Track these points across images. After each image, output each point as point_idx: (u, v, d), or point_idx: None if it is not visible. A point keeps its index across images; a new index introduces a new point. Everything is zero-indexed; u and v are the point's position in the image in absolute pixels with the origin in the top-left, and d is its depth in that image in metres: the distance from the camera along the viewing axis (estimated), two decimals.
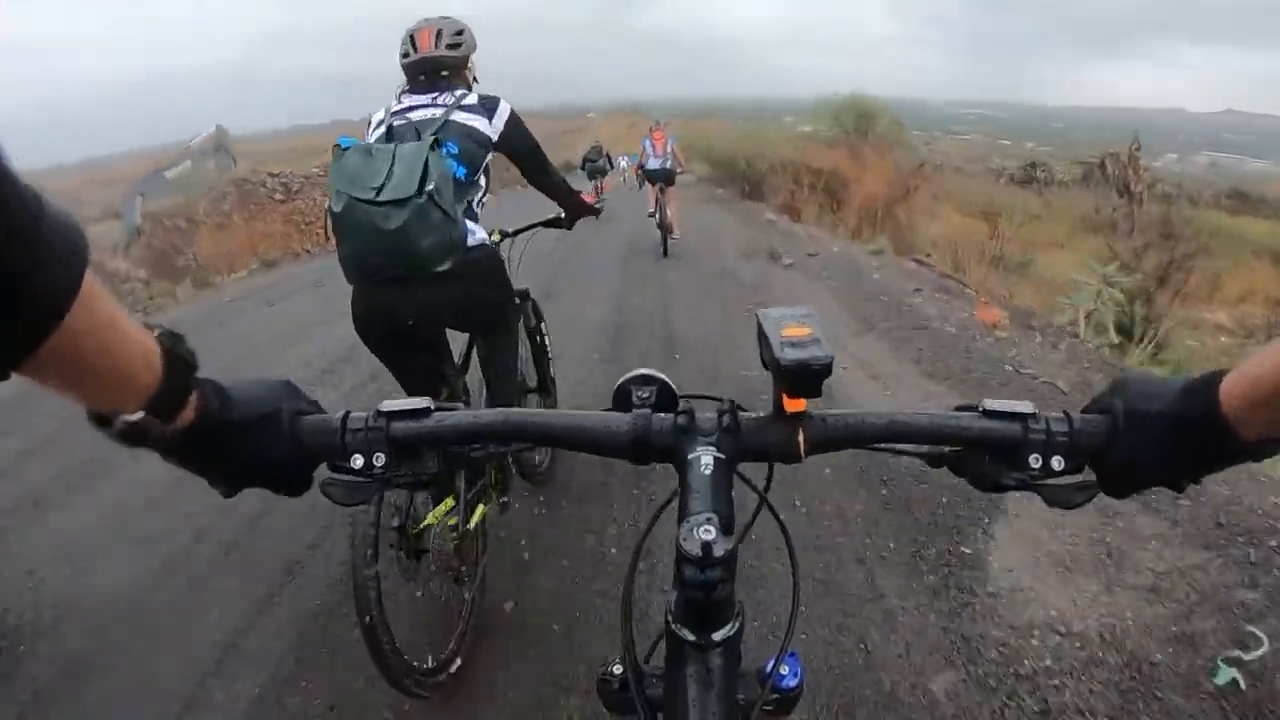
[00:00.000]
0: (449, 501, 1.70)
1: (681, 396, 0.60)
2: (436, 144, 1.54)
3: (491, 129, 1.77)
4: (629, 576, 0.60)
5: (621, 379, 0.60)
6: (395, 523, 1.53)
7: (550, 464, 2.63)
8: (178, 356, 0.46)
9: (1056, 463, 0.52)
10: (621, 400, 0.60)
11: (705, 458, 0.54)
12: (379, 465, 0.54)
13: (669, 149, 7.68)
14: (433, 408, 0.56)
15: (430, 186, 1.48)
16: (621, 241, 8.88)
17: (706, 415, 0.57)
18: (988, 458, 0.55)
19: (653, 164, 7.69)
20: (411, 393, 1.77)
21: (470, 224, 1.70)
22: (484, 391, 2.01)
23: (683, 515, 0.51)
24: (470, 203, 1.76)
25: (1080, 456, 0.53)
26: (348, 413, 0.55)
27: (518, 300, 2.16)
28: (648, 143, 7.88)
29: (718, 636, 0.51)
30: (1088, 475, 0.54)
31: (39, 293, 0.34)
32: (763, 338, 0.53)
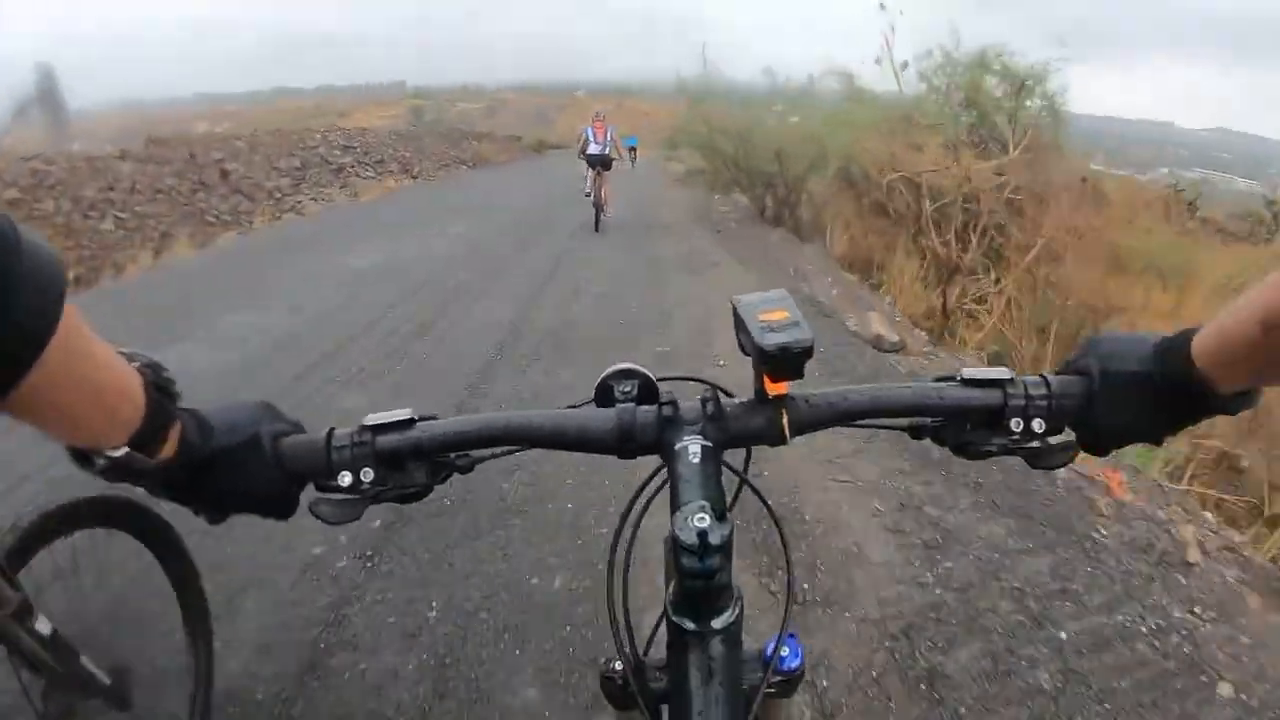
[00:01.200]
0: None
1: (660, 379, 0.60)
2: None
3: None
4: (611, 568, 0.60)
5: (602, 375, 0.60)
6: None
7: None
8: (159, 388, 0.46)
9: (1037, 425, 0.53)
10: (603, 397, 0.60)
11: (693, 447, 0.54)
12: (367, 481, 0.54)
13: (609, 137, 8.75)
14: (416, 418, 0.56)
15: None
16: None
17: (689, 404, 0.57)
18: (969, 425, 0.56)
19: (593, 149, 8.66)
20: None
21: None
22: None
23: (675, 505, 0.51)
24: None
25: (1060, 418, 0.54)
26: (332, 430, 0.55)
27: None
28: (589, 131, 8.79)
29: (718, 624, 0.52)
30: (1068, 435, 0.55)
31: (12, 335, 0.33)
32: (740, 324, 0.53)
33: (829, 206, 9.10)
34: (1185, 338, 0.49)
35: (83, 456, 0.44)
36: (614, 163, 8.90)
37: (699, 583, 0.47)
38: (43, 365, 0.35)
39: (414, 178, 15.72)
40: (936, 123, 8.73)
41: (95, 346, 0.40)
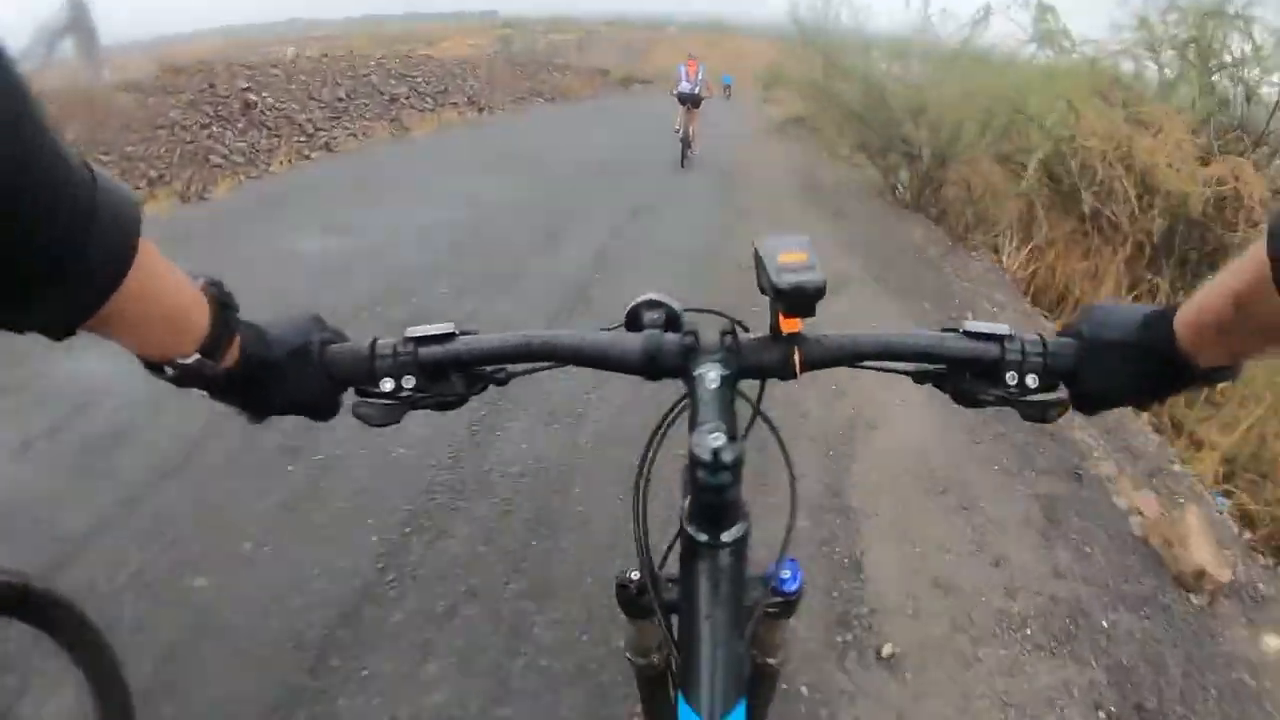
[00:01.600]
0: None
1: (686, 310, 0.64)
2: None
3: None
4: (638, 485, 0.64)
5: (632, 303, 0.64)
6: None
7: None
8: (222, 303, 0.50)
9: (1031, 380, 0.57)
10: (633, 322, 0.63)
11: (711, 374, 0.58)
12: (408, 388, 0.57)
13: (700, 76, 8.85)
14: (457, 332, 0.59)
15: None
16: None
17: (710, 336, 0.61)
18: (969, 375, 0.59)
19: (684, 87, 8.79)
20: None
21: None
22: None
23: (693, 425, 0.56)
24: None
25: (1053, 376, 0.57)
26: (375, 340, 0.58)
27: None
28: (682, 69, 9.00)
29: (727, 537, 0.56)
30: (1060, 392, 0.58)
31: (98, 263, 0.37)
32: (760, 263, 0.56)
33: (997, 195, 6.27)
34: (1170, 311, 0.52)
35: (155, 366, 0.48)
36: (703, 100, 9.13)
37: (712, 496, 0.52)
38: (124, 288, 0.39)
39: (480, 110, 13.86)
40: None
41: (166, 269, 0.44)
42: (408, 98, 12.99)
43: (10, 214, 0.32)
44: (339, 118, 11.04)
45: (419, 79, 13.87)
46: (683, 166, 8.99)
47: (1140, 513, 2.48)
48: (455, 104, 13.62)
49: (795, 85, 10.09)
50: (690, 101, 8.82)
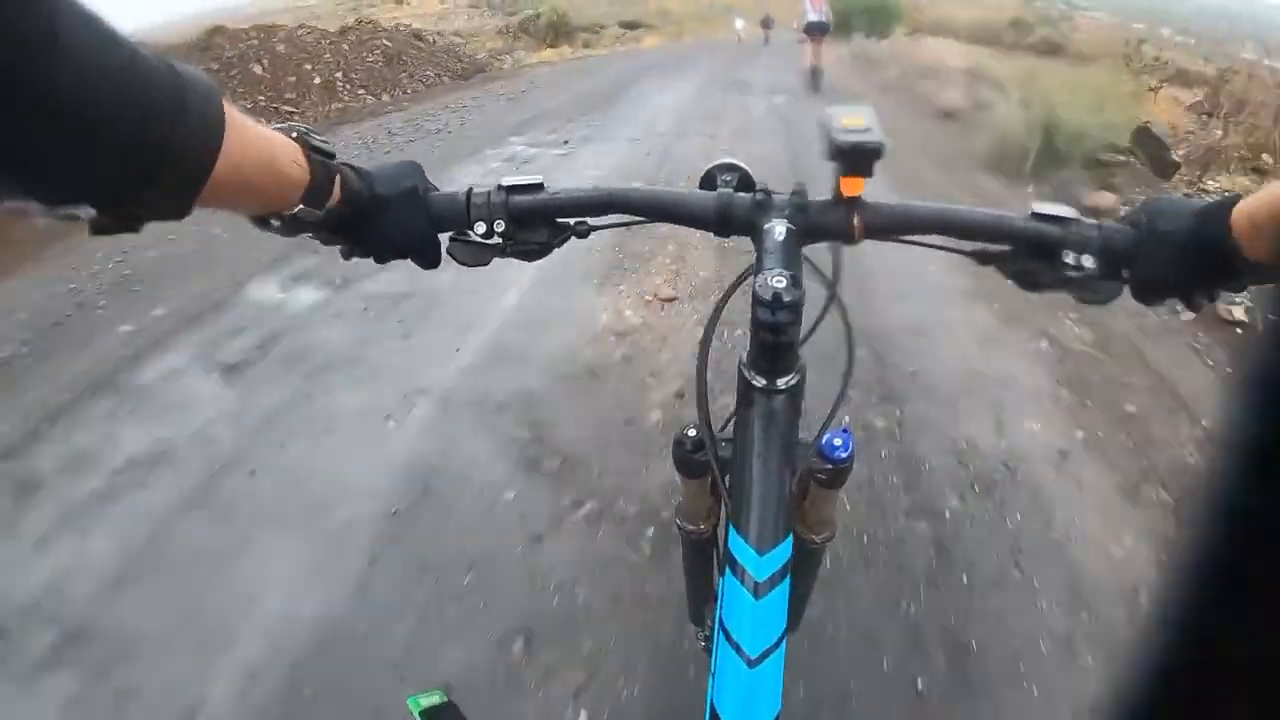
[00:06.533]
0: None
1: (758, 183, 0.65)
2: None
3: None
4: (704, 342, 0.65)
5: (708, 166, 0.67)
6: None
7: None
8: (317, 149, 0.53)
9: (1088, 261, 0.57)
10: (708, 184, 0.67)
11: (779, 228, 0.60)
12: (498, 232, 0.61)
13: (824, 6, 9.06)
14: (545, 184, 0.62)
15: None
16: None
17: (779, 197, 0.62)
18: (1030, 257, 0.59)
19: (811, 18, 9.01)
20: None
21: None
22: None
23: (758, 272, 0.58)
24: None
25: (1108, 259, 0.57)
26: (471, 188, 0.62)
27: None
28: (807, 2, 9.17)
29: (781, 383, 0.59)
30: (1115, 279, 0.58)
31: (197, 141, 0.40)
32: (823, 129, 0.57)
33: None
34: (1228, 204, 0.52)
35: (262, 220, 0.52)
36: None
37: (770, 335, 0.55)
38: (223, 158, 0.42)
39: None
40: None
41: (257, 133, 0.47)
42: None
43: (114, 119, 0.35)
44: None
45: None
46: (817, 91, 9.24)
47: None
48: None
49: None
50: (819, 30, 9.10)
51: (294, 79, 9.20)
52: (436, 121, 7.94)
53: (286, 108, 8.50)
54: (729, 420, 0.68)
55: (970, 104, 7.27)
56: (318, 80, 9.46)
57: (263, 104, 8.38)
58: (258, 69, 8.98)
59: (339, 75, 9.90)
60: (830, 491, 0.73)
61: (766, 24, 18.64)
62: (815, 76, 9.44)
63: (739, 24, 21.10)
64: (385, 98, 9.96)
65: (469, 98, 9.71)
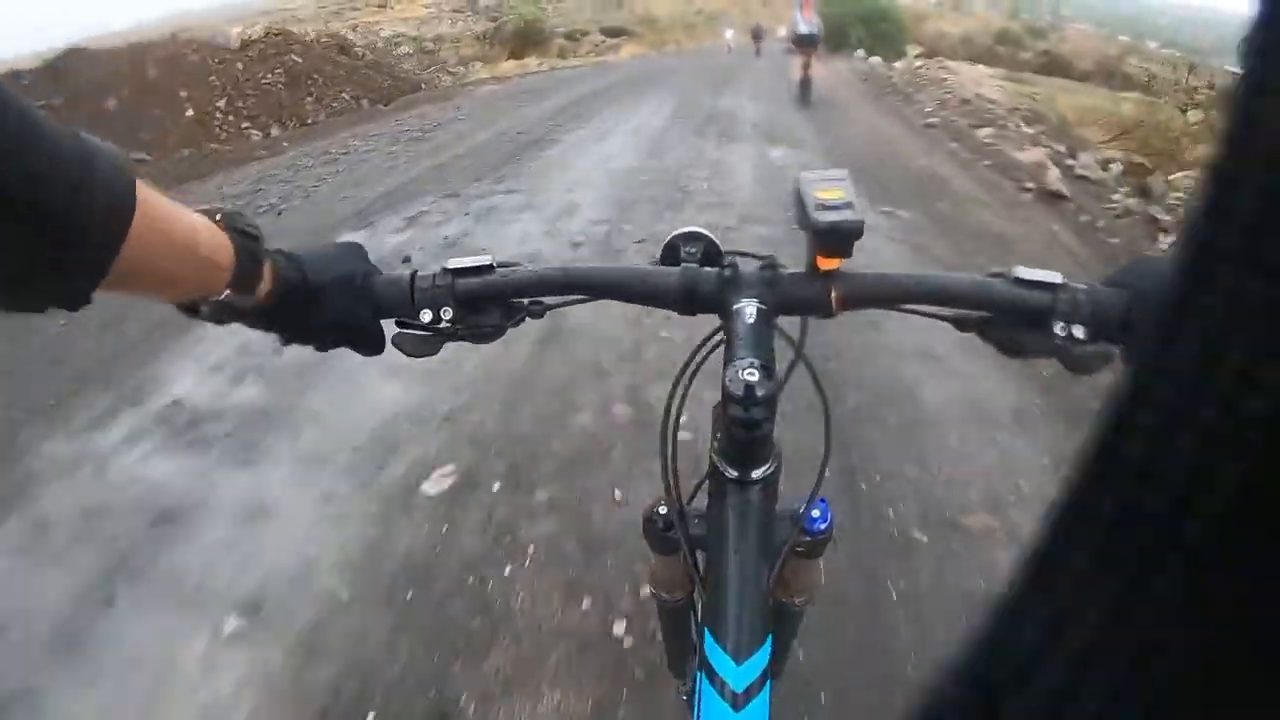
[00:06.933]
0: None
1: (726, 253, 0.63)
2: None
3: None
4: (666, 415, 0.63)
5: (670, 235, 0.65)
6: None
7: None
8: (243, 232, 0.49)
9: (1079, 331, 0.54)
10: (670, 256, 0.64)
11: (749, 308, 0.56)
12: (446, 319, 0.58)
13: (815, 18, 8.94)
14: (495, 265, 0.59)
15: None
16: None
17: (749, 270, 0.59)
18: (1014, 323, 0.57)
19: (803, 29, 8.78)
20: None
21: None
22: None
23: (728, 360, 0.54)
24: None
25: (1100, 327, 0.55)
26: (415, 271, 0.58)
27: None
28: (798, 12, 9.08)
29: (757, 474, 0.57)
30: (1104, 345, 0.55)
31: (99, 223, 0.37)
32: (799, 200, 0.55)
33: None
34: None
35: (189, 309, 0.50)
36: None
37: (743, 432, 0.52)
38: (131, 242, 0.39)
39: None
40: None
41: (174, 214, 0.44)
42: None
43: (12, 195, 0.33)
44: None
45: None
46: (808, 103, 9.17)
47: None
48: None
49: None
50: (810, 43, 8.99)
51: (159, 112, 7.86)
52: (286, 186, 5.58)
53: (137, 154, 7.14)
54: (699, 487, 0.66)
55: (1065, 174, 5.38)
56: (190, 113, 8.12)
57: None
58: (112, 102, 7.64)
59: (220, 105, 8.55)
60: (811, 560, 0.71)
61: (758, 34, 18.34)
62: (805, 89, 9.32)
63: (729, 34, 20.93)
64: (275, 131, 8.54)
65: (367, 134, 7.79)
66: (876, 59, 15.88)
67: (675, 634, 0.87)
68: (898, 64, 14.37)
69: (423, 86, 12.74)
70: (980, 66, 12.89)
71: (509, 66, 18.06)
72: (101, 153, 0.38)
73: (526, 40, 22.41)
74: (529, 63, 19.07)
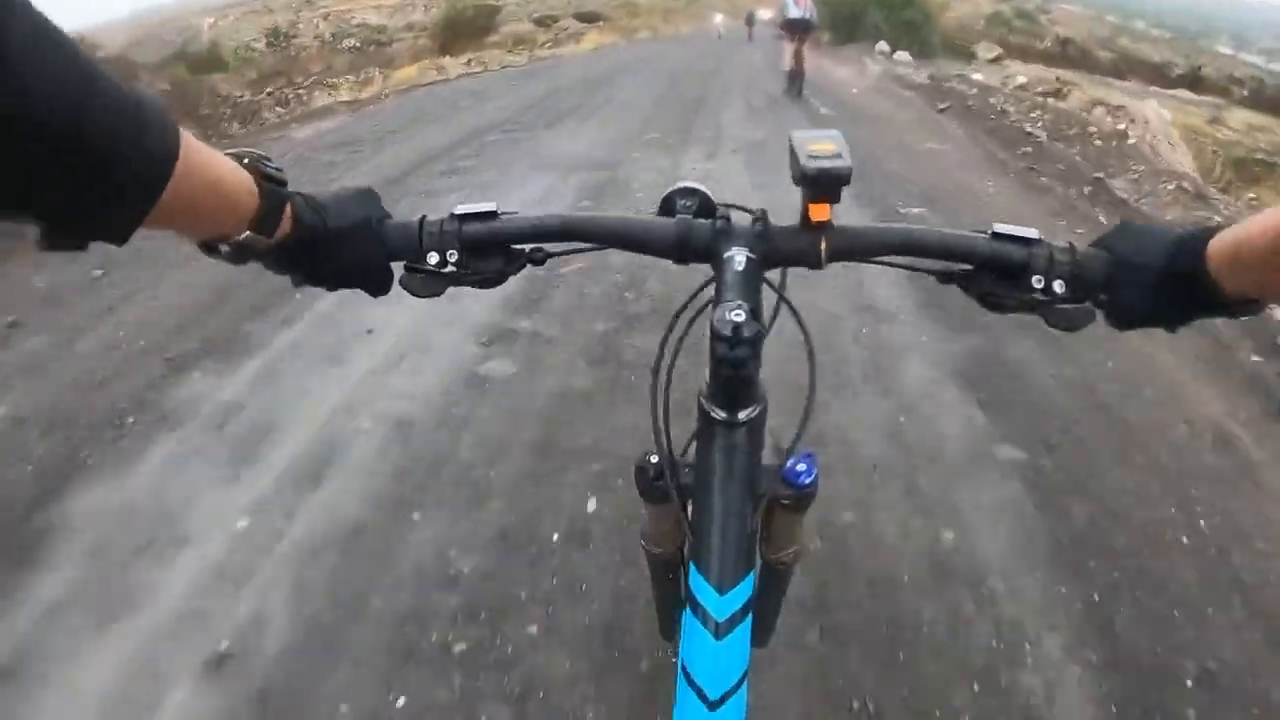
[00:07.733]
0: None
1: (719, 205, 0.64)
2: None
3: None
4: (656, 369, 0.64)
5: (668, 190, 0.65)
6: None
7: None
8: (269, 176, 0.51)
9: (1058, 286, 0.55)
10: (667, 208, 0.65)
11: (739, 256, 0.58)
12: (451, 262, 0.59)
13: (808, 2, 8.31)
14: (499, 212, 0.61)
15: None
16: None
17: (741, 222, 0.61)
18: (995, 278, 0.58)
19: (794, 14, 8.12)
20: None
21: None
22: None
23: (717, 303, 0.56)
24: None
25: (1081, 286, 0.56)
26: (424, 217, 0.60)
27: None
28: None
29: (743, 416, 0.58)
30: (1088, 304, 0.57)
31: (149, 162, 0.39)
32: (792, 154, 0.56)
33: None
34: (1205, 235, 0.51)
35: (209, 247, 0.50)
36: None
37: (730, 370, 0.53)
38: (173, 182, 0.41)
39: None
40: None
41: (210, 158, 0.45)
42: None
43: (71, 136, 0.34)
44: None
45: None
46: (800, 96, 8.52)
47: None
48: None
49: None
50: (801, 28, 8.25)
51: None
52: None
53: None
54: (691, 440, 0.67)
55: None
56: None
57: None
58: None
59: None
60: (795, 515, 0.72)
61: (750, 21, 17.92)
62: (794, 81, 8.57)
63: (718, 18, 20.76)
64: None
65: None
66: (903, 54, 13.14)
67: (665, 590, 0.86)
68: (974, 74, 9.77)
69: (255, 116, 8.96)
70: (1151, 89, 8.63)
71: (407, 74, 13.03)
72: (150, 100, 0.40)
73: (459, 34, 18.59)
74: (450, 65, 14.08)
